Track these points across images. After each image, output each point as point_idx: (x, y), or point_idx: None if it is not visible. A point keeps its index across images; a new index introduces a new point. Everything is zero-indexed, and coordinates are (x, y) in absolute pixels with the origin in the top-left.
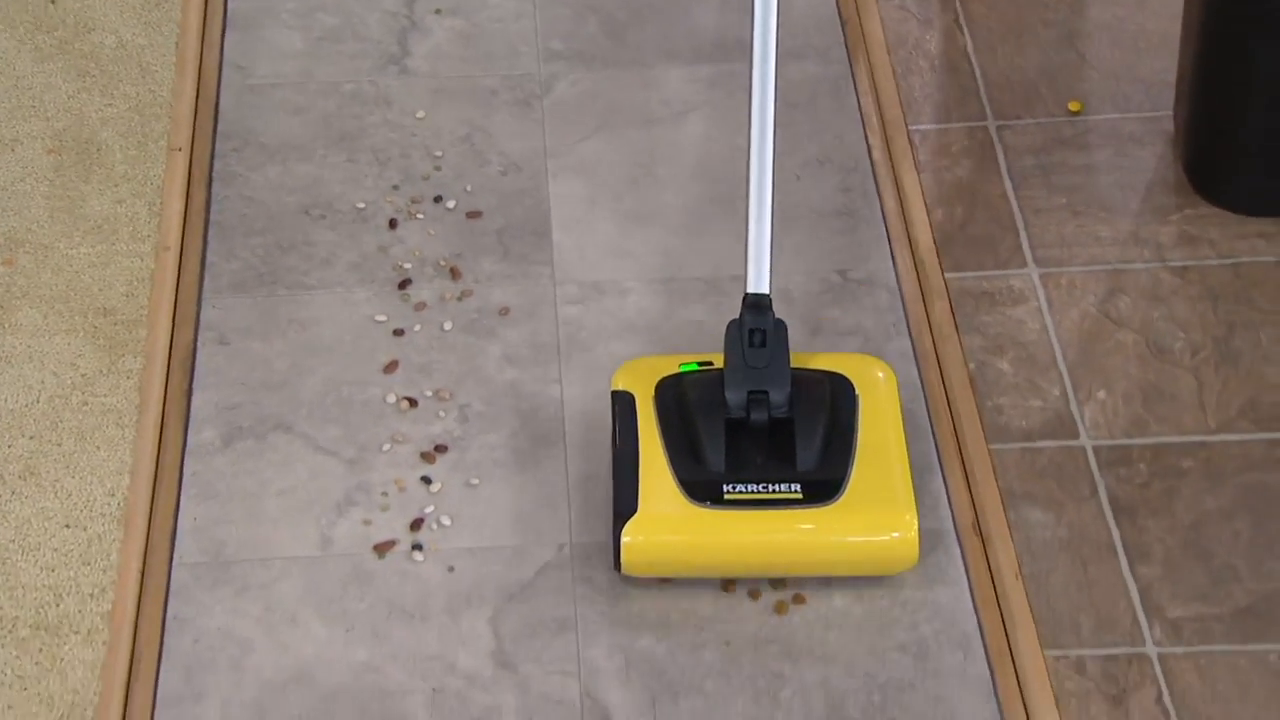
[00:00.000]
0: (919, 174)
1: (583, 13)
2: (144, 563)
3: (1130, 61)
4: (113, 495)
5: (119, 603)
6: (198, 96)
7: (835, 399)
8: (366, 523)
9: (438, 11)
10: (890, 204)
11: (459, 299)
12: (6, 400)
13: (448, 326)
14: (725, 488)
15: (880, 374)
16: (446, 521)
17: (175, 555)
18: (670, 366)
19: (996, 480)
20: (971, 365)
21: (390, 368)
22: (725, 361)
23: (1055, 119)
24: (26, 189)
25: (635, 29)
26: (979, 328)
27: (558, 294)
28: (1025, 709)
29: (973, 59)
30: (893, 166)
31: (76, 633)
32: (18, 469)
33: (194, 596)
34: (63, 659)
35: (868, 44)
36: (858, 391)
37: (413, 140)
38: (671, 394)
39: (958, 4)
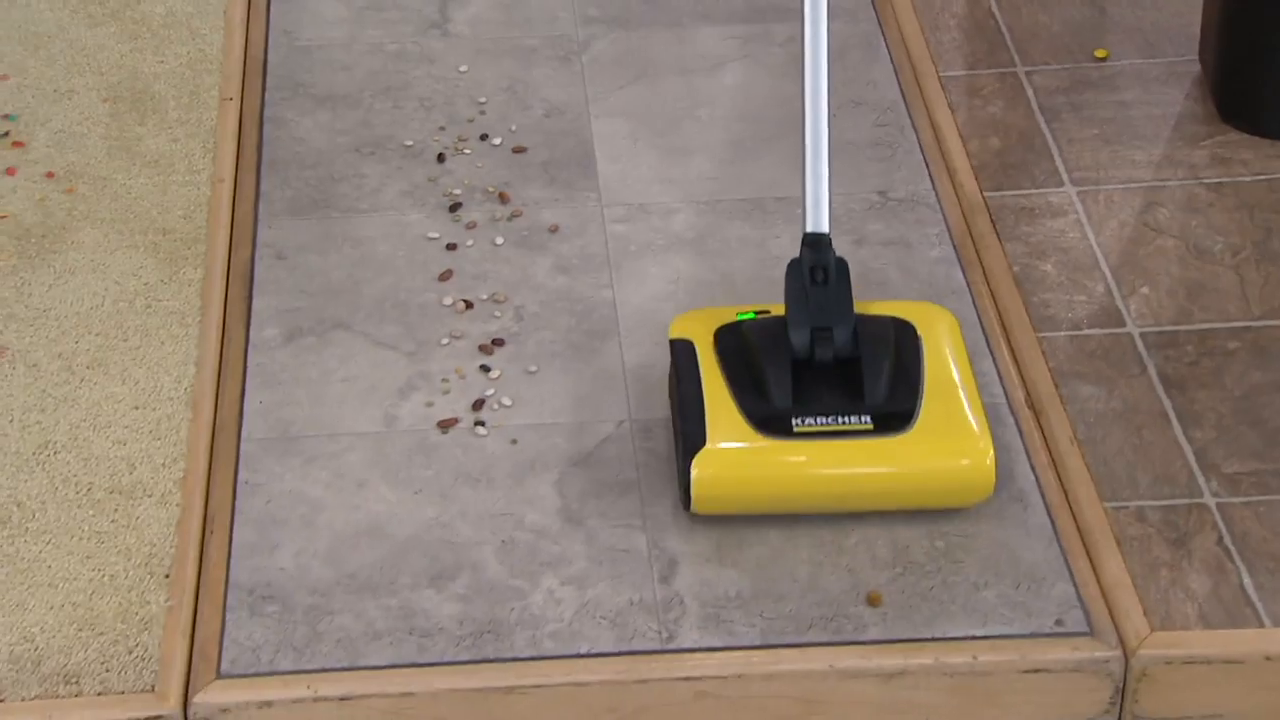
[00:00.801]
0: (952, 112)
1: None
2: (213, 438)
3: (1151, 16)
4: (179, 382)
5: (191, 470)
6: (246, 54)
7: (900, 339)
8: (429, 404)
9: None
10: (926, 136)
11: (509, 219)
12: (72, 304)
13: (499, 241)
14: (795, 421)
15: (943, 320)
16: (508, 402)
17: (243, 432)
18: (728, 316)
19: (1046, 362)
20: (1015, 268)
21: (445, 276)
22: (787, 300)
23: (1082, 64)
24: (84, 130)
25: None
26: (1020, 237)
27: (605, 214)
28: (1087, 552)
29: (998, 16)
30: (926, 105)
31: (150, 496)
32: (86, 360)
33: (263, 465)
34: (139, 517)
35: (895, 3)
36: (920, 333)
37: (457, 89)
38: (732, 340)
39: None
